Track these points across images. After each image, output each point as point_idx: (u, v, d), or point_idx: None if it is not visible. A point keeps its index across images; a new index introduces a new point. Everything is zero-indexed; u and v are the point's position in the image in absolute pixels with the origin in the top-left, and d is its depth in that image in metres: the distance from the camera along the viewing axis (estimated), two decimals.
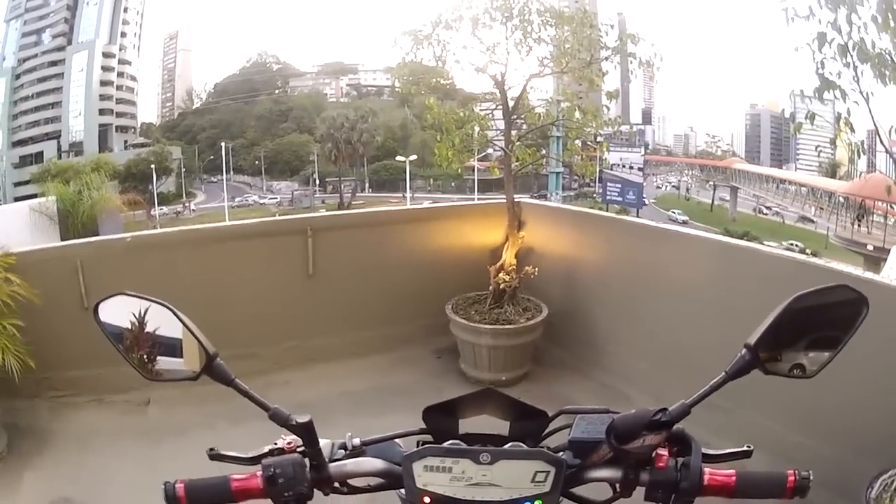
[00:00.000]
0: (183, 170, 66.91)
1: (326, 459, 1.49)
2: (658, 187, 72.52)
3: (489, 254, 6.48)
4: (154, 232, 7.83)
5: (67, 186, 15.31)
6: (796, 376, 1.48)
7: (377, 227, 6.94)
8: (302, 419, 1.42)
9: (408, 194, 56.74)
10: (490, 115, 6.41)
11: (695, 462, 1.42)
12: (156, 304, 1.49)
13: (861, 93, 5.46)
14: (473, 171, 49.84)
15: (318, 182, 67.65)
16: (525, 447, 1.53)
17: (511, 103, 5.99)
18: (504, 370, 5.97)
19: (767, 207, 63.32)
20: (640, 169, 60.06)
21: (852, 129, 5.93)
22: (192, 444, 1.99)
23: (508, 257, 6.18)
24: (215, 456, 1.50)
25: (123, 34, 68.84)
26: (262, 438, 1.51)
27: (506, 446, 1.52)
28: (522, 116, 6.31)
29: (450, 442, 1.52)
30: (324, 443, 1.50)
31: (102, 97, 66.30)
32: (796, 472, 1.40)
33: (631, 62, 5.91)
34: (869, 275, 5.08)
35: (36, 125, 63.99)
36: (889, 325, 3.23)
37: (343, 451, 1.55)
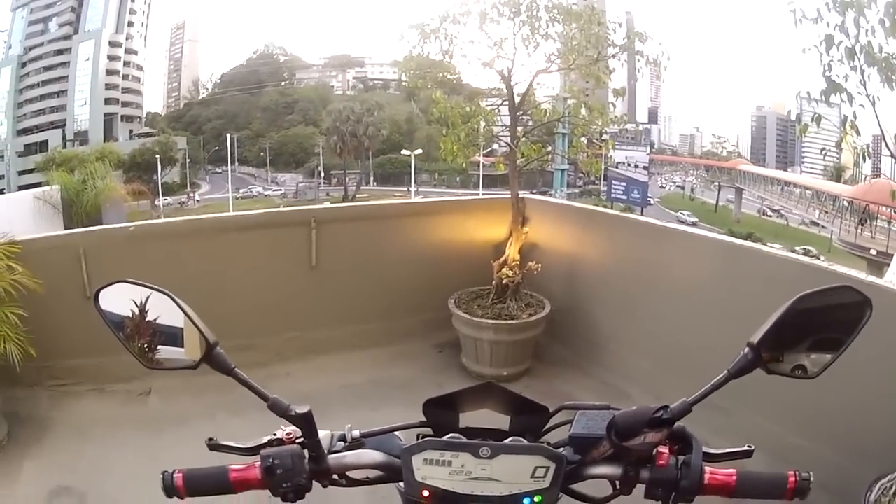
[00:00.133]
0: (188, 160, 66.87)
1: (325, 451, 1.48)
2: (662, 187, 72.39)
3: (493, 249, 6.48)
4: (157, 221, 7.87)
5: (72, 175, 15.37)
6: (798, 377, 1.48)
7: (381, 221, 6.95)
8: (301, 410, 1.42)
9: (412, 188, 56.76)
10: (496, 111, 6.39)
11: (695, 461, 1.41)
12: (157, 293, 1.49)
13: (868, 96, 5.45)
14: (479, 166, 49.78)
15: (322, 175, 67.62)
16: (525, 442, 1.53)
17: (517, 99, 5.98)
18: (505, 365, 5.97)
19: (774, 210, 63.20)
20: (645, 168, 59.98)
21: (858, 133, 5.91)
22: (192, 434, 1.98)
23: (512, 253, 6.18)
24: (214, 446, 1.49)
25: (130, 23, 68.83)
26: (262, 429, 1.50)
27: (506, 441, 1.51)
28: (528, 112, 6.31)
29: (450, 435, 1.52)
30: (323, 434, 1.49)
31: (108, 86, 66.30)
32: (797, 473, 1.40)
33: (638, 60, 5.91)
34: (872, 278, 5.06)
35: (41, 114, 64.00)
36: (892, 329, 3.21)
37: (342, 443, 1.55)
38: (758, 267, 4.87)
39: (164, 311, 1.50)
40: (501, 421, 1.61)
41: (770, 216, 63.21)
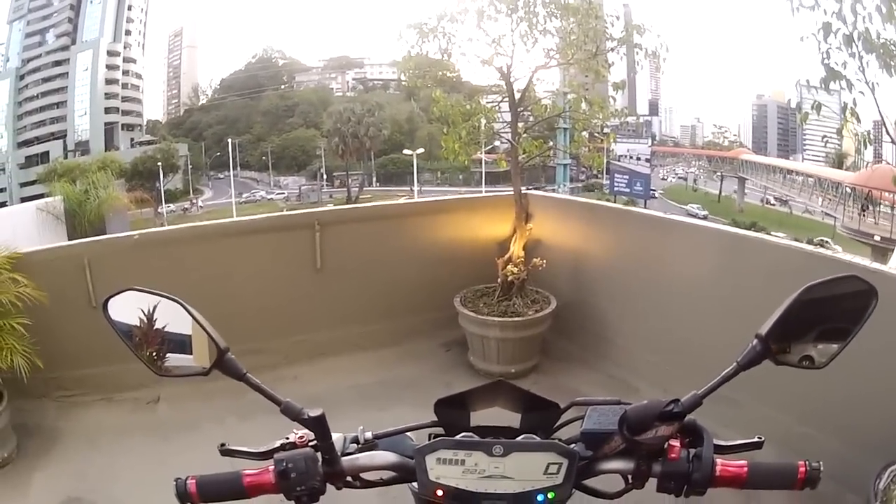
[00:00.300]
0: (190, 167, 66.92)
1: (339, 454, 1.49)
2: (663, 179, 72.25)
3: (497, 246, 6.49)
4: (161, 229, 7.88)
5: (74, 186, 15.43)
6: (807, 367, 1.48)
7: (384, 221, 6.95)
8: (314, 413, 1.42)
9: (415, 188, 56.67)
10: (496, 108, 6.39)
11: (707, 453, 1.42)
12: (165, 300, 1.49)
13: (867, 83, 5.44)
14: (481, 163, 49.72)
15: (325, 177, 67.59)
16: (537, 439, 1.53)
17: (517, 95, 5.99)
18: (513, 362, 5.98)
19: (777, 199, 63.08)
20: (647, 160, 59.80)
21: (858, 119, 5.91)
22: (202, 440, 1.99)
23: (516, 249, 6.18)
24: (226, 451, 1.50)
25: (128, 32, 68.81)
26: (272, 433, 1.51)
27: (518, 438, 1.52)
28: (529, 108, 6.31)
29: (462, 434, 1.53)
30: (336, 437, 1.50)
31: (108, 96, 66.26)
32: (807, 463, 1.41)
33: (637, 53, 5.90)
34: (876, 265, 5.06)
35: (41, 125, 63.98)
36: None
37: (355, 445, 1.55)
38: (762, 257, 4.87)
39: (172, 318, 1.50)
40: (512, 419, 1.61)
41: (773, 205, 63.10)
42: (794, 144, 69.46)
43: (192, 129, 73.75)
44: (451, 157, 6.26)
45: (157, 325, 1.50)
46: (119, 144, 65.77)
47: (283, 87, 78.67)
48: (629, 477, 1.47)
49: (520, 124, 6.15)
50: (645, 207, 38.02)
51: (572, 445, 1.47)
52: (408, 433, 1.59)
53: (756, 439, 1.49)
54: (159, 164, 59.76)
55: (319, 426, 1.43)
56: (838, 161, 59.93)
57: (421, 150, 54.78)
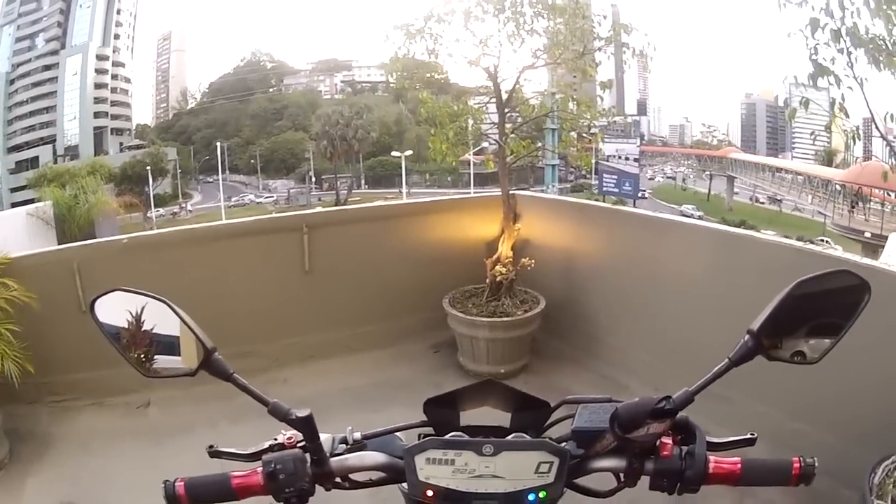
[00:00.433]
0: (179, 171, 66.76)
1: (327, 454, 1.48)
2: (651, 178, 72.35)
3: (485, 247, 6.49)
4: (150, 233, 7.86)
5: (63, 191, 15.44)
6: (799, 362, 1.48)
7: (372, 223, 6.93)
8: (302, 413, 1.42)
9: (404, 189, 56.68)
10: (484, 108, 6.39)
11: (699, 450, 1.42)
12: (153, 300, 1.49)
13: (855, 78, 5.44)
14: (469, 165, 49.71)
15: (314, 179, 67.54)
16: (528, 438, 1.52)
17: (505, 96, 5.98)
18: (502, 363, 5.98)
19: (768, 197, 63.26)
20: (636, 160, 59.94)
21: (847, 115, 5.91)
22: (194, 443, 1.97)
23: (504, 250, 6.18)
24: (215, 453, 1.49)
25: (117, 36, 68.63)
26: (264, 436, 1.51)
27: (508, 438, 1.51)
28: (517, 108, 6.31)
29: (452, 434, 1.52)
30: (324, 437, 1.49)
31: (97, 100, 66.08)
32: (801, 459, 1.41)
33: (624, 53, 5.92)
34: (867, 261, 5.07)
35: (31, 130, 63.75)
36: (890, 311, 3.20)
37: (344, 446, 1.54)
38: (753, 254, 4.89)
39: (160, 320, 1.50)
40: (503, 418, 1.60)
41: (762, 203, 63.29)
42: (784, 143, 69.72)
43: (181, 132, 73.52)
44: (438, 159, 6.27)
45: (145, 327, 1.50)
46: (108, 149, 65.57)
47: (271, 90, 78.48)
48: (621, 475, 1.47)
49: (507, 125, 6.15)
50: (634, 207, 38.13)
51: (563, 444, 1.46)
52: (397, 433, 1.58)
53: (749, 436, 1.49)
54: (148, 168, 59.53)
55: (307, 427, 1.42)
56: (828, 158, 60.18)
57: (409, 152, 54.90)
